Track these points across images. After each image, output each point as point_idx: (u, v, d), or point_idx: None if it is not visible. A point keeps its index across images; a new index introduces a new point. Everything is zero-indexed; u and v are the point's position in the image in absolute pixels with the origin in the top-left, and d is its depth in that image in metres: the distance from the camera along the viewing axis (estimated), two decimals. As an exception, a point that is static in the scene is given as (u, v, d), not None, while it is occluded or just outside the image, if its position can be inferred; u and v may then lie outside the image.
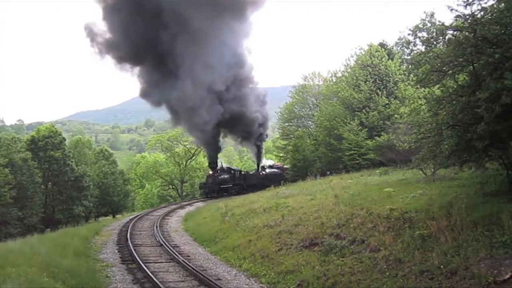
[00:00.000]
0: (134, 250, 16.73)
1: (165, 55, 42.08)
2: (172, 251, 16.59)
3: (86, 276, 12.07)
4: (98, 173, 52.98)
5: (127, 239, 19.16)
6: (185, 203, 40.53)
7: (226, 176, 43.17)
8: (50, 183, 43.05)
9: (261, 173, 47.82)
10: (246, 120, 46.03)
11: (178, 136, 57.61)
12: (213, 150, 45.50)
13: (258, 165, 51.68)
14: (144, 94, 46.09)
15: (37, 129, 46.49)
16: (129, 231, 21.65)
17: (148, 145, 69.99)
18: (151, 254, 16.72)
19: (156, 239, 19.92)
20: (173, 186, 61.76)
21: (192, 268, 13.57)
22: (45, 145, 42.50)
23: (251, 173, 49.96)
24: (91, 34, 45.08)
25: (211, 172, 43.39)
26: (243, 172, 47.96)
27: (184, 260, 14.96)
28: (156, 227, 23.27)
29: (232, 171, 44.91)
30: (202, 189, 45.26)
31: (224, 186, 42.05)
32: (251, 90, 48.43)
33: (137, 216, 29.87)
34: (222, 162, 50.17)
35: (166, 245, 17.91)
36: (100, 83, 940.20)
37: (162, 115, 66.44)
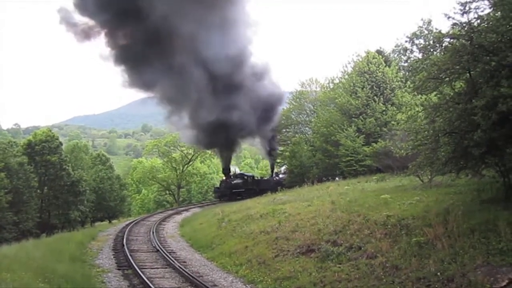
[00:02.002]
0: (130, 255, 16.66)
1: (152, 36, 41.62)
2: (168, 257, 16.52)
3: (81, 282, 12.02)
4: (95, 178, 52.80)
5: (123, 245, 19.10)
6: (182, 208, 40.59)
7: (239, 181, 45.14)
8: (46, 188, 42.82)
9: (274, 179, 48.92)
10: (228, 129, 45.22)
11: (175, 141, 57.53)
12: (226, 156, 47.72)
13: (272, 171, 54.27)
14: (133, 73, 44.96)
15: (33, 133, 46.29)
16: (125, 236, 21.58)
17: (145, 150, 69.81)
18: (147, 259, 16.66)
19: (152, 245, 19.85)
20: (170, 192, 61.58)
21: (188, 274, 13.51)
22: (41, 149, 42.31)
23: (265, 178, 51.48)
24: (67, 18, 44.22)
25: (224, 178, 46.16)
26: (256, 178, 49.79)
27: (180, 266, 14.90)
28: (153, 232, 23.20)
29: (245, 177, 47.01)
30: (215, 193, 47.50)
31: (236, 190, 43.44)
32: (247, 98, 46.52)
33: (133, 221, 29.82)
34: (235, 168, 53.26)
35: (162, 251, 17.84)
36: (97, 87, 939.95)
37: (159, 120, 66.54)
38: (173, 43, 42.82)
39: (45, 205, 42.52)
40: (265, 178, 51.67)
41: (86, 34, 44.63)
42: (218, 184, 53.02)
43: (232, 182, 44.64)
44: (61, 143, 46.31)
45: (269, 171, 59.38)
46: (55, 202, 42.61)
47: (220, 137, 45.36)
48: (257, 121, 47.44)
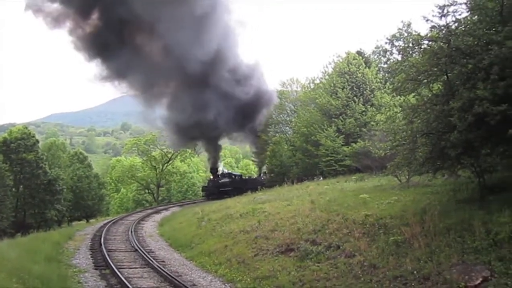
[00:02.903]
0: (108, 255, 16.44)
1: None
2: (147, 257, 16.37)
3: (57, 282, 11.80)
4: (72, 176, 51.97)
5: (101, 244, 18.82)
6: (161, 207, 40.28)
7: (226, 180, 45.96)
8: (21, 186, 41.94)
9: (262, 178, 49.42)
10: (202, 128, 45.53)
11: (155, 140, 57.02)
12: (214, 157, 49.07)
13: (260, 170, 55.06)
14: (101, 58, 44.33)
15: (9, 131, 45.29)
16: (103, 236, 21.29)
17: (124, 148, 68.98)
18: (125, 259, 16.46)
19: (130, 244, 19.62)
20: (149, 191, 60.97)
21: (167, 273, 13.40)
22: (17, 147, 41.42)
23: (253, 177, 52.41)
24: (34, 4, 43.29)
25: (212, 177, 47.41)
26: (244, 177, 50.92)
27: (159, 265, 14.78)
28: (131, 232, 22.94)
29: (233, 176, 48.08)
30: (203, 191, 48.29)
31: (224, 189, 44.01)
32: (222, 97, 45.54)
33: (111, 220, 29.46)
34: (223, 168, 54.42)
35: (141, 250, 17.67)
36: (75, 84, 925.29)
37: (139, 118, 65.78)
38: (140, 33, 42.52)
39: (21, 204, 41.66)
40: (253, 177, 52.15)
41: (56, 21, 43.75)
42: (200, 183, 53.18)
43: (220, 181, 45.52)
44: (37, 141, 45.44)
45: (249, 170, 59.68)
46: (31, 201, 41.79)
47: (195, 135, 46.00)
48: (237, 121, 47.43)
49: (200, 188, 49.34)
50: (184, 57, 41.06)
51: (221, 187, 44.37)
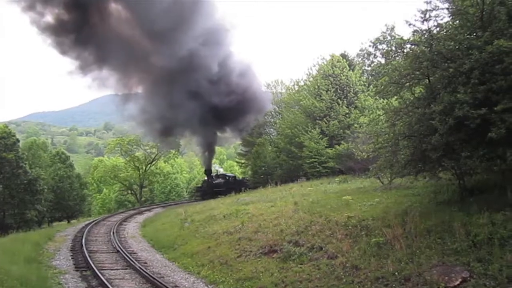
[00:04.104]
0: (89, 256, 16.23)
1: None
2: (129, 258, 16.20)
3: (37, 284, 11.62)
4: (53, 176, 51.20)
5: (82, 245, 18.59)
6: (144, 208, 40.02)
7: (220, 181, 47.04)
8: (1, 186, 41.11)
9: None
10: (175, 124, 46.31)
11: (138, 140, 56.56)
12: (207, 158, 50.15)
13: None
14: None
15: (-12, 129, 44.38)
16: (84, 237, 21.04)
17: (107, 148, 68.23)
18: (107, 260, 16.28)
19: (112, 246, 19.42)
20: (132, 191, 60.46)
21: (149, 275, 13.29)
22: (-3, 146, 40.65)
23: (247, 178, 52.46)
24: None
25: (206, 178, 48.80)
26: (237, 178, 51.56)
27: (141, 267, 14.64)
28: (113, 233, 22.69)
29: (227, 177, 49.04)
30: (197, 192, 49.76)
31: (218, 189, 44.57)
32: (191, 95, 44.25)
33: (93, 221, 29.15)
34: (217, 169, 56.57)
35: (123, 252, 17.48)
36: (58, 83, 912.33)
37: (122, 118, 65.07)
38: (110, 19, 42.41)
39: (0, 204, 40.86)
40: (247, 178, 52.22)
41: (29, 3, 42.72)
42: (183, 184, 52.99)
43: (214, 182, 46.41)
44: (18, 140, 44.56)
45: (233, 171, 59.62)
46: (11, 201, 40.98)
47: (171, 132, 47.01)
48: (213, 124, 47.39)
49: (186, 189, 49.25)
50: (153, 53, 41.09)
51: (215, 188, 44.99)
